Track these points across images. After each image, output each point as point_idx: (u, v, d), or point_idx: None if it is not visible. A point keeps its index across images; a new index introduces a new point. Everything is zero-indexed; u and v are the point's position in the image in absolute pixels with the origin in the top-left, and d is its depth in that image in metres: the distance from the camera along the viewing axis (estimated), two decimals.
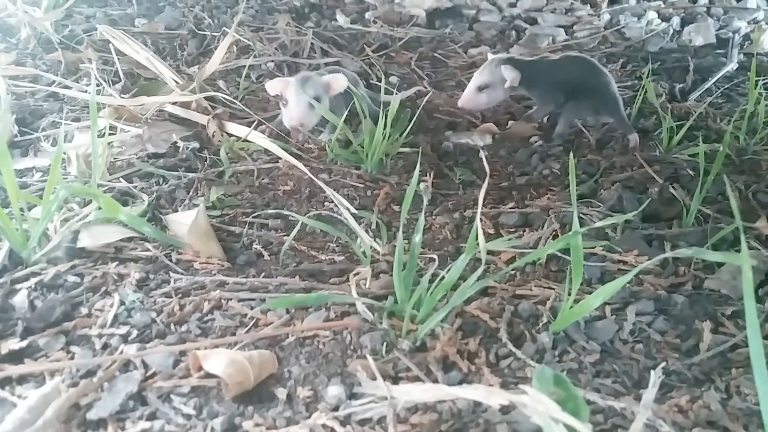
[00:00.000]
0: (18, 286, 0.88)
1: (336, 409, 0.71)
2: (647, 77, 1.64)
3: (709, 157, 1.25)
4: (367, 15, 2.42)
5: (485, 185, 0.84)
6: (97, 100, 1.23)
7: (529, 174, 1.37)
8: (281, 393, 0.73)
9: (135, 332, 0.82)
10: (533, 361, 0.80)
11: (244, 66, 1.72)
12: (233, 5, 2.38)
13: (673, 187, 1.25)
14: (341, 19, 2.36)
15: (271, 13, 2.35)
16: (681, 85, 1.88)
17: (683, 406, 0.73)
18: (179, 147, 1.33)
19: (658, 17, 2.49)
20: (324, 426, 0.69)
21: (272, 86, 1.42)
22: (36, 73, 1.61)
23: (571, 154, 0.97)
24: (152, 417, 0.70)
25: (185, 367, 0.76)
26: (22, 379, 0.74)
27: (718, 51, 2.23)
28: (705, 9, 2.56)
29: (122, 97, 1.46)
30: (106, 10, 2.26)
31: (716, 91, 1.85)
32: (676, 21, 2.44)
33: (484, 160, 0.91)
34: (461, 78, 1.91)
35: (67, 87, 1.54)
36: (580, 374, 0.79)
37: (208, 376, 0.74)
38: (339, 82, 1.41)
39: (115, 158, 1.27)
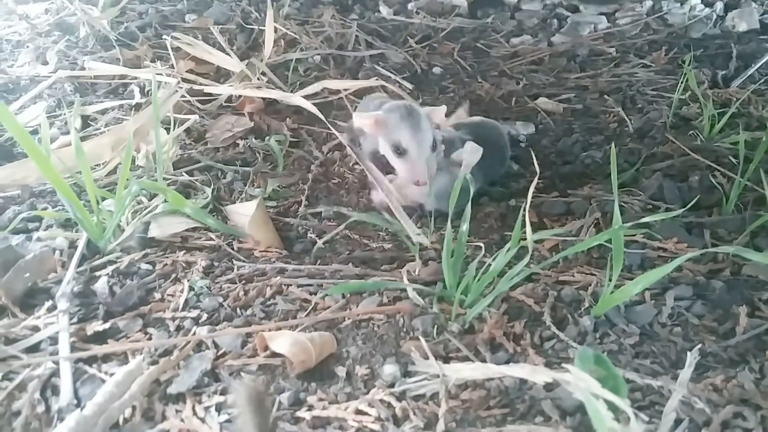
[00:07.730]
0: (97, 274, 0.96)
1: (392, 385, 0.78)
2: (689, 64, 1.65)
3: (750, 144, 1.27)
4: (410, 6, 2.46)
5: (535, 181, 0.88)
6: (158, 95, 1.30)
7: (571, 163, 1.40)
8: (341, 371, 0.80)
9: (205, 315, 0.90)
10: (575, 342, 0.85)
11: (291, 60, 1.78)
12: None
13: (714, 176, 1.27)
14: (384, 11, 2.40)
15: (316, 5, 2.41)
16: (723, 72, 1.88)
17: (718, 384, 0.77)
18: (237, 140, 1.40)
19: (701, 3, 2.48)
20: (381, 401, 0.75)
21: (361, 120, 1.11)
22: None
23: (613, 144, 1.01)
24: (225, 392, 0.77)
25: (252, 347, 0.83)
26: (106, 358, 0.82)
27: (762, 37, 2.20)
28: None
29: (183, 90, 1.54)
30: (157, 6, 2.34)
31: (759, 78, 1.84)
32: (719, 6, 2.42)
33: (533, 155, 0.95)
34: (504, 68, 1.94)
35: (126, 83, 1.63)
36: (620, 355, 0.83)
37: (274, 355, 0.81)
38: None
39: (181, 152, 1.34)
